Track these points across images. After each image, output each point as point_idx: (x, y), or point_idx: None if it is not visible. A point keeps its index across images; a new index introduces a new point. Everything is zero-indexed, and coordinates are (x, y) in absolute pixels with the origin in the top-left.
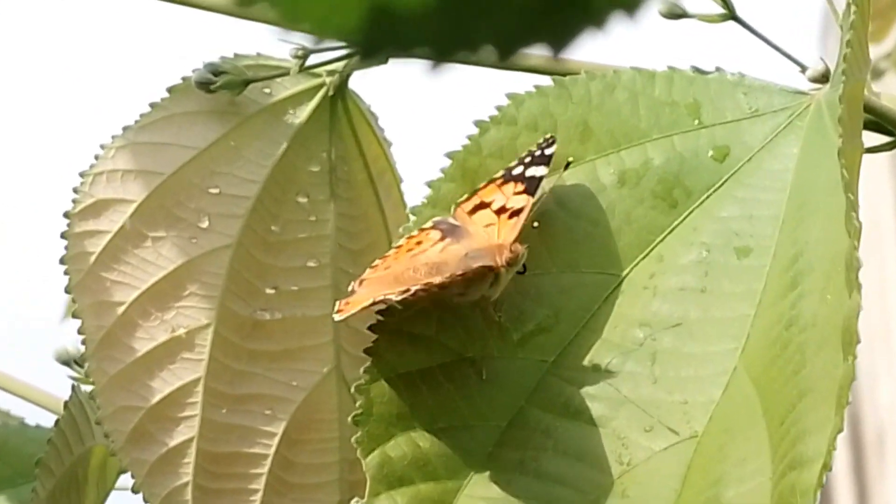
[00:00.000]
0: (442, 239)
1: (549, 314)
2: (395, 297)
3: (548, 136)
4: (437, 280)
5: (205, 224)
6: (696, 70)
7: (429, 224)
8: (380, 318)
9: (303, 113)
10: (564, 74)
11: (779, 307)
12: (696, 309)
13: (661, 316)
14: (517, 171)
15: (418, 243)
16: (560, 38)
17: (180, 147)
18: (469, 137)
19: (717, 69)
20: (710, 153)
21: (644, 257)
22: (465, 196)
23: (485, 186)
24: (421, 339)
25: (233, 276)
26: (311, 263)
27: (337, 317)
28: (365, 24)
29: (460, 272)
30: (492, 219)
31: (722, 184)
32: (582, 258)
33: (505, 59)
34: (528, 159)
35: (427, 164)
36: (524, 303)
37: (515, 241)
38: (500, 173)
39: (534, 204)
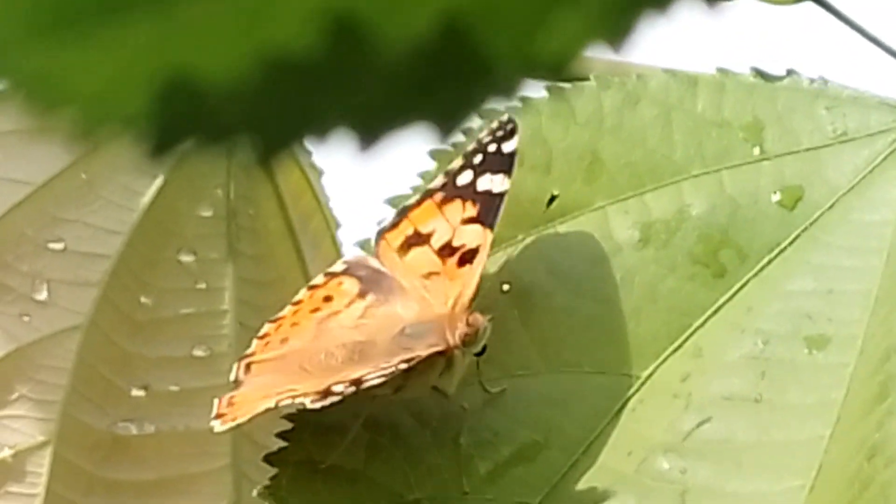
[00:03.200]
0: (361, 295)
1: (533, 435)
2: (308, 402)
3: (503, 118)
4: (361, 373)
5: (42, 296)
6: (758, 73)
7: (338, 267)
8: (283, 440)
9: None
10: (565, 80)
11: (862, 427)
12: (748, 428)
13: (697, 438)
14: (463, 179)
15: (326, 300)
16: (449, 116)
17: (6, 182)
18: (414, 188)
19: (789, 72)
20: (776, 197)
21: (675, 351)
22: (390, 220)
23: (417, 204)
24: (342, 474)
25: (82, 370)
26: (198, 352)
27: (217, 425)
28: (155, 107)
29: (396, 361)
30: (433, 263)
31: (791, 242)
32: (584, 353)
33: (367, 148)
34: (477, 158)
35: (372, 200)
36: (498, 419)
37: (471, 306)
38: (439, 181)
39: (492, 244)
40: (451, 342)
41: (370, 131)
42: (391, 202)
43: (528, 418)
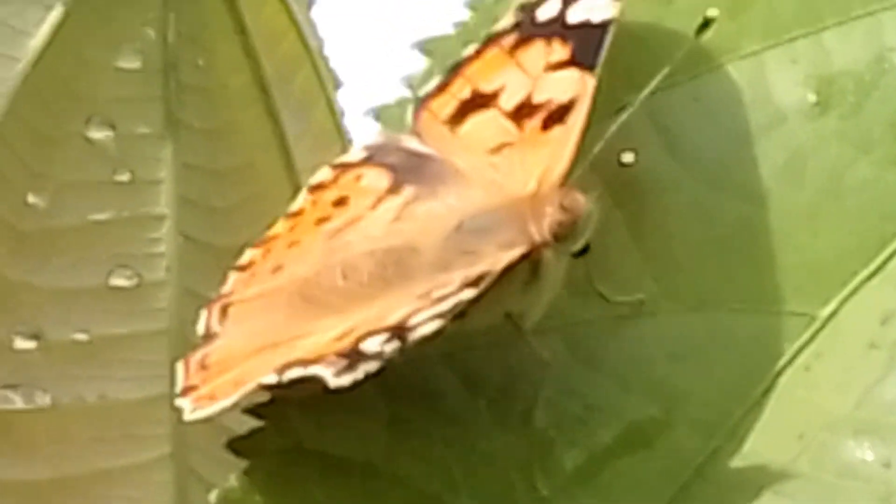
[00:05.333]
0: (392, 190)
1: (651, 409)
2: (328, 376)
3: None
4: (403, 311)
5: None
6: None
7: (358, 155)
8: (255, 418)
9: None
10: None
11: None
12: None
13: None
14: (547, 11)
15: (339, 203)
16: None
17: None
18: (456, 26)
19: None
20: None
21: (871, 276)
22: (437, 82)
23: (477, 56)
24: (350, 469)
25: None
26: (119, 281)
27: (185, 407)
28: None
29: (475, 277)
30: (504, 131)
31: None
32: (728, 280)
33: None
34: None
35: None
36: (596, 381)
37: (565, 183)
38: (507, 21)
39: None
40: (537, 237)
41: None
42: (424, 48)
43: (642, 382)
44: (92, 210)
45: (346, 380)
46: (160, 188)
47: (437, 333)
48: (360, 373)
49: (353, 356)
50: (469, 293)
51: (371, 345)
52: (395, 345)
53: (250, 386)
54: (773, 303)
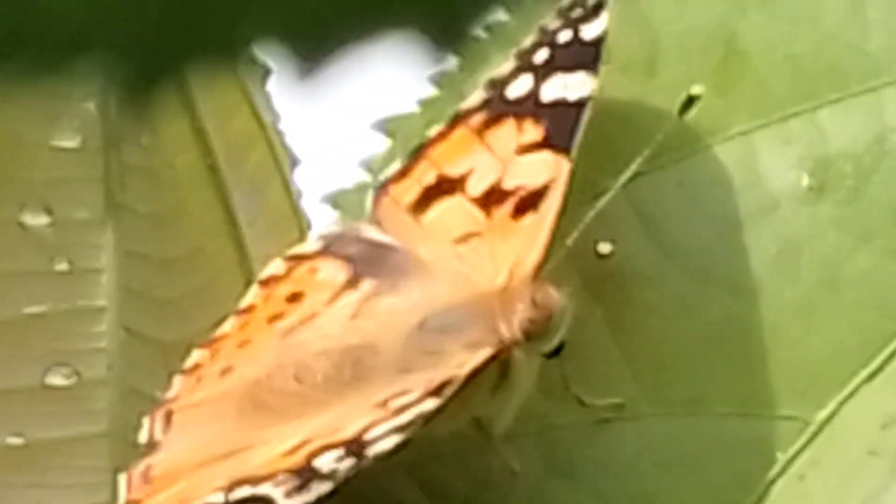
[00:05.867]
0: (351, 283)
1: None
2: (278, 496)
3: None
4: (359, 423)
5: None
6: None
7: (313, 246)
8: None
9: None
10: None
11: None
12: None
13: None
14: (519, 88)
15: (292, 299)
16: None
17: None
18: (420, 103)
19: None
20: None
21: (871, 377)
22: (398, 165)
23: (442, 137)
24: None
25: None
26: (55, 380)
27: None
28: None
29: (436, 386)
30: (471, 219)
31: None
32: (716, 381)
33: (310, 72)
34: (540, 55)
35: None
36: (569, 491)
37: (538, 276)
38: (476, 98)
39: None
40: (507, 335)
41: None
42: (385, 128)
43: (622, 493)
44: (27, 302)
45: (297, 501)
46: (101, 278)
47: (397, 448)
48: (312, 494)
49: (306, 474)
50: (431, 403)
51: (325, 461)
52: (350, 462)
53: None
54: (764, 406)
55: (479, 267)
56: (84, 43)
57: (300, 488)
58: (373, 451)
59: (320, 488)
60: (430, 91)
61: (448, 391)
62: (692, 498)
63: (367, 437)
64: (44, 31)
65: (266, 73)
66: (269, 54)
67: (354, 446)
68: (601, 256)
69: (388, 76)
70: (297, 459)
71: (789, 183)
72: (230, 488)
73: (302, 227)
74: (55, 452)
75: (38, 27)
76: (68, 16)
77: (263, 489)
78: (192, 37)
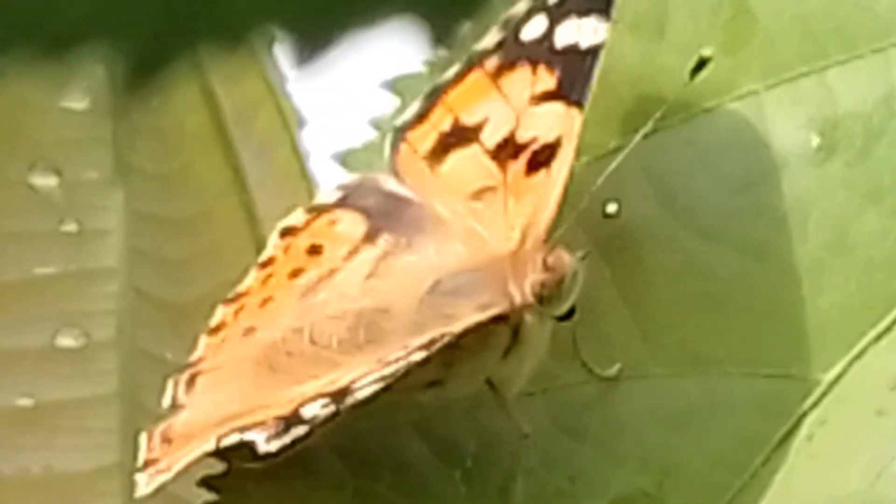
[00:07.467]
0: (368, 238)
1: (640, 481)
2: (260, 441)
3: None
4: (356, 373)
5: None
6: None
7: (332, 196)
8: (209, 490)
9: None
10: None
11: None
12: None
13: None
14: (532, 30)
15: (312, 251)
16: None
17: None
18: (427, 62)
19: None
20: None
21: (879, 337)
22: (415, 110)
23: (458, 79)
24: None
25: None
26: (65, 341)
27: (141, 481)
28: None
29: (427, 341)
30: (486, 172)
31: None
32: (723, 341)
33: (309, 59)
34: None
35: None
36: (579, 452)
37: (549, 237)
38: (491, 39)
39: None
40: (518, 299)
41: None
42: (394, 87)
43: (631, 452)
44: (36, 263)
45: (273, 445)
46: (110, 239)
47: (372, 397)
48: (287, 438)
49: (292, 420)
50: (419, 355)
51: (311, 409)
52: (329, 410)
53: (195, 454)
54: (773, 366)
55: (493, 225)
56: (97, 17)
57: (281, 434)
58: (353, 398)
59: (297, 432)
60: (436, 52)
61: (436, 346)
62: (700, 457)
63: (354, 386)
64: (57, 6)
65: (273, 37)
66: (277, 32)
67: (339, 395)
68: (608, 216)
69: (394, 54)
70: (290, 409)
71: (798, 143)
72: (223, 436)
73: (310, 188)
74: (64, 413)
75: (52, 2)
76: None
77: (250, 435)
78: (202, 7)
